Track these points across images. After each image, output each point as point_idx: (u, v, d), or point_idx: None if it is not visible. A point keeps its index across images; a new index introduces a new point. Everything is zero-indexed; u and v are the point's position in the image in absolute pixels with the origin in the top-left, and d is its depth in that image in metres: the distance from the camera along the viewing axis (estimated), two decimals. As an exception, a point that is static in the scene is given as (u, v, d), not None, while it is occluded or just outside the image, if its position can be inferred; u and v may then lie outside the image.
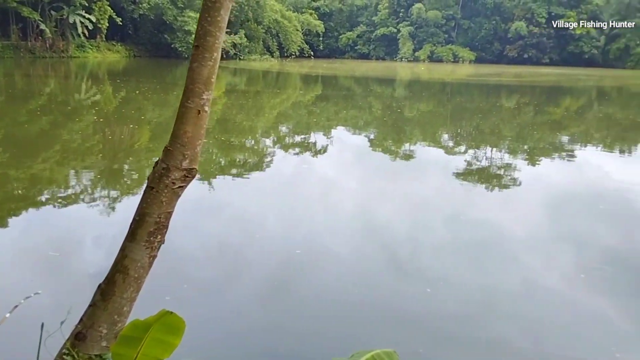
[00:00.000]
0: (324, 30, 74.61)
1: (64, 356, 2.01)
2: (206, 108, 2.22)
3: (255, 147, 11.48)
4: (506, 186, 8.77)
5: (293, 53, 64.52)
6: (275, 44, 63.33)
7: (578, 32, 73.90)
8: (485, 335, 3.90)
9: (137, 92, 20.92)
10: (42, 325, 2.48)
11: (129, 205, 6.87)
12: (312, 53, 71.59)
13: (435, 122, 16.91)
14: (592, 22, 75.33)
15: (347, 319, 4.06)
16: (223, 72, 37.74)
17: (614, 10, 76.01)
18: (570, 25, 73.74)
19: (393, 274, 4.91)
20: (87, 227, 5.99)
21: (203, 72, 2.18)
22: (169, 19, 47.34)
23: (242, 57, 55.43)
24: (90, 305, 2.13)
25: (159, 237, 2.14)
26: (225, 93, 23.51)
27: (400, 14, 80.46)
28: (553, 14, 74.74)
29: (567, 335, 3.96)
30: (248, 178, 8.61)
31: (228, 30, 52.79)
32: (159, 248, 2.17)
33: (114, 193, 7.41)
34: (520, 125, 16.28)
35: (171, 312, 1.90)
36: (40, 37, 39.93)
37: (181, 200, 6.26)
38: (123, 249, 2.13)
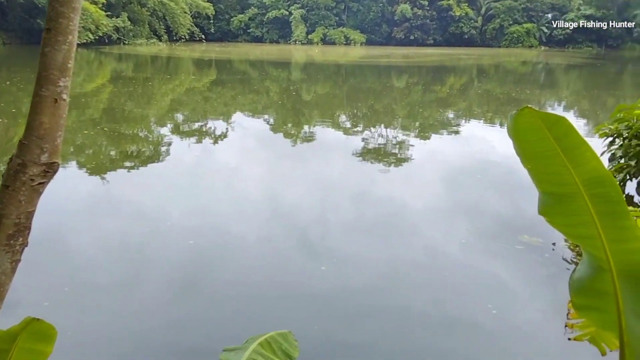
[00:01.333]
0: (214, 13, 72.26)
1: None
2: (64, 96, 2.00)
3: (150, 137, 10.89)
4: (403, 163, 9.16)
5: (183, 37, 61.88)
6: (163, 27, 60.26)
7: (457, 13, 79.00)
8: (392, 304, 4.05)
9: (9, 82, 18.88)
10: None
11: None
12: (203, 37, 69.19)
13: (332, 104, 17.20)
14: (468, 4, 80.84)
15: (254, 304, 3.99)
16: (106, 57, 35.32)
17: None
18: (451, 7, 78.47)
19: (302, 255, 4.91)
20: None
21: (57, 57, 1.96)
22: (41, 2, 43.09)
23: (126, 42, 52.16)
24: None
25: (21, 239, 1.91)
26: (111, 80, 22.00)
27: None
28: (434, -4, 78.96)
29: (463, 297, 4.23)
30: (145, 170, 8.14)
31: (109, 13, 49.36)
32: (21, 252, 1.95)
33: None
34: (410, 104, 17.08)
35: (38, 319, 1.80)
36: None
37: (72, 199, 5.78)
38: None
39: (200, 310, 3.88)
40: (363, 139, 10.99)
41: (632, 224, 1.41)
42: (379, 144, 10.60)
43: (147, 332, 3.61)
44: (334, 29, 79.77)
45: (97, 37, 45.87)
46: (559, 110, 16.35)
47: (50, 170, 1.94)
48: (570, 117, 15.05)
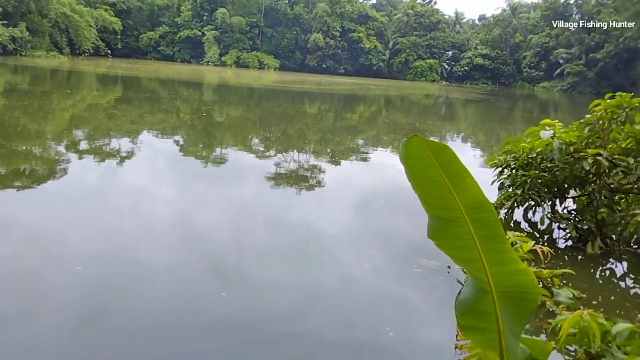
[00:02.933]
0: (122, 28, 69.63)
1: None
2: None
3: (46, 154, 10.14)
4: (315, 188, 9.31)
5: (87, 50, 58.90)
6: (65, 39, 56.96)
7: (367, 46, 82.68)
8: (303, 330, 4.06)
9: None
10: None
11: None
12: (109, 52, 66.30)
13: (245, 127, 17.14)
14: (377, 38, 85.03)
15: (160, 336, 3.81)
16: (0, 69, 32.66)
17: (395, 28, 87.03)
18: (361, 39, 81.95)
19: (213, 283, 4.76)
20: None
21: None
22: None
23: (24, 53, 48.62)
24: None
25: None
26: (4, 94, 20.32)
27: (205, 17, 79.75)
28: (346, 28, 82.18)
29: (368, 320, 4.35)
30: (39, 190, 7.53)
31: (5, 22, 45.88)
32: None
33: None
34: (322, 130, 17.48)
35: None
36: None
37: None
38: None
39: (98, 346, 3.61)
40: (276, 163, 11.03)
41: (508, 248, 1.55)
42: (292, 169, 10.70)
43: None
44: (248, 52, 79.99)
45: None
46: (457, 141, 17.56)
47: None
48: (467, 147, 16.22)
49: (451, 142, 17.03)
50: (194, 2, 79.91)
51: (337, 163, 11.78)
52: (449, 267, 5.28)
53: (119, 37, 71.14)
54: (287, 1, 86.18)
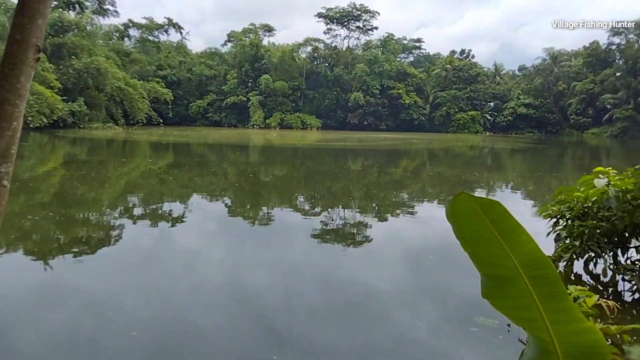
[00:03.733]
0: (172, 98, 73.71)
1: None
2: (5, 182, 2.02)
3: (103, 221, 10.60)
4: (362, 244, 9.23)
5: (140, 120, 62.38)
6: (120, 111, 60.68)
7: (407, 101, 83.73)
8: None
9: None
10: None
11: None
12: (161, 121, 70.02)
13: (290, 186, 17.42)
14: (417, 93, 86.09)
15: None
16: (61, 141, 34.93)
17: (434, 82, 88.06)
18: (400, 95, 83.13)
19: (266, 345, 4.71)
20: None
21: (0, 144, 1.99)
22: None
23: (82, 126, 51.98)
24: None
25: None
26: (64, 164, 21.64)
27: (249, 83, 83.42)
28: (385, 85, 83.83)
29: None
30: (97, 256, 7.83)
31: (65, 98, 49.46)
32: None
33: None
34: (366, 185, 17.53)
35: None
36: None
37: (15, 290, 5.52)
38: None
39: None
40: (322, 221, 11.07)
41: (571, 305, 1.49)
42: (338, 226, 10.70)
43: None
44: (291, 114, 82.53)
45: (51, 121, 45.56)
46: (506, 191, 17.15)
47: None
48: (517, 197, 15.79)
49: (499, 192, 16.66)
50: (239, 70, 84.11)
51: (384, 218, 11.70)
52: (508, 325, 5.03)
53: (170, 106, 75.27)
54: (326, 64, 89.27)
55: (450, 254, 8.19)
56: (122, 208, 12.17)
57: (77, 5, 62.76)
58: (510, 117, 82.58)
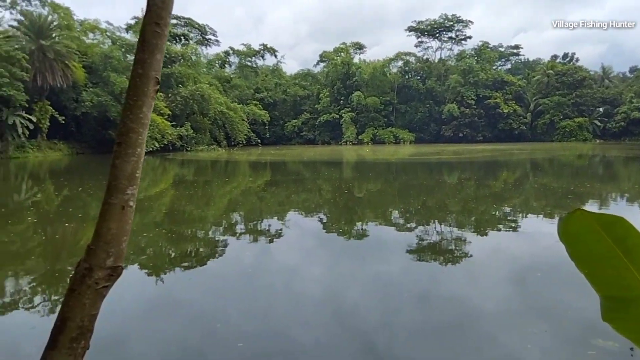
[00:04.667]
0: (269, 119, 76.96)
1: None
2: (131, 203, 2.19)
3: (208, 237, 11.23)
4: (461, 260, 8.90)
5: (240, 142, 65.72)
6: (222, 134, 64.47)
7: (505, 110, 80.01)
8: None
9: (80, 189, 20.36)
10: None
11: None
12: (259, 141, 73.23)
13: (384, 201, 17.30)
14: (516, 102, 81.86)
15: None
16: (170, 164, 37.60)
17: (535, 89, 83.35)
18: (498, 105, 79.61)
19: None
20: (27, 333, 5.50)
21: (126, 168, 2.17)
22: (112, 115, 47.51)
23: (189, 149, 55.83)
24: None
25: (83, 342, 1.99)
26: (173, 185, 23.27)
27: (341, 101, 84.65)
28: (481, 95, 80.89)
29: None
30: (203, 270, 8.31)
31: (174, 123, 53.42)
32: (83, 355, 2.00)
33: (55, 297, 6.91)
34: (464, 199, 16.91)
35: None
36: (-23, 139, 38.84)
37: (134, 301, 5.94)
38: (44, 358, 1.96)
39: None
40: (418, 236, 10.85)
41: None
42: (435, 241, 10.42)
43: None
44: (383, 129, 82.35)
45: (162, 145, 49.39)
46: (621, 204, 15.68)
47: (114, 274, 2.06)
48: (636, 210, 14.36)
49: (613, 204, 15.26)
50: (331, 88, 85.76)
51: (484, 233, 11.19)
52: (631, 348, 4.56)
53: (267, 127, 78.59)
54: (418, 77, 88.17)
55: (559, 271, 7.62)
56: (226, 225, 12.82)
57: (182, 38, 68.04)
58: (622, 123, 75.74)
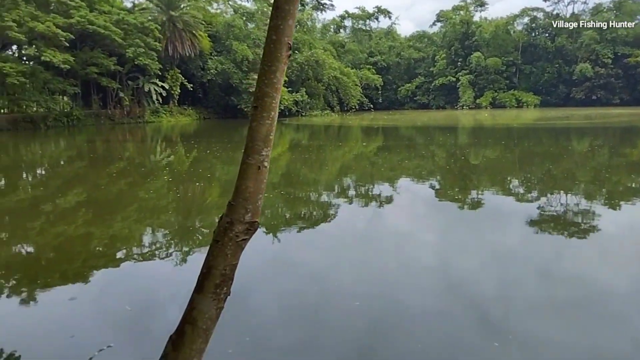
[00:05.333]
0: (382, 84, 76.03)
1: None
2: (265, 164, 2.30)
3: (320, 200, 11.57)
4: (590, 234, 8.22)
5: (353, 107, 65.96)
6: (336, 99, 65.16)
7: (650, 69, 70.81)
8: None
9: (208, 151, 21.93)
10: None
11: (200, 260, 7.04)
12: (371, 106, 72.88)
13: (503, 169, 16.41)
14: (665, 59, 71.98)
15: None
16: (286, 128, 38.93)
17: (688, 44, 72.61)
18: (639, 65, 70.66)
19: (478, 333, 4.58)
20: (161, 282, 6.17)
21: (262, 131, 2.28)
22: (234, 82, 50.11)
23: (304, 114, 57.30)
24: (162, 357, 2.16)
25: (225, 289, 2.18)
26: (289, 148, 24.15)
27: (459, 63, 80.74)
28: (620, 54, 72.36)
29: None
30: (315, 231, 8.63)
31: (290, 89, 55.01)
32: (225, 300, 2.20)
33: (186, 249, 7.64)
34: (595, 168, 15.47)
35: None
36: (119, 105, 43.34)
37: (254, 257, 6.31)
38: (192, 301, 2.18)
39: None
40: (540, 207, 10.19)
41: None
42: (559, 213, 9.73)
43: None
44: (504, 92, 77.36)
45: (279, 110, 51.18)
46: None
47: (251, 228, 2.23)
48: None
49: None
50: (448, 50, 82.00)
51: (617, 206, 10.19)
52: None
53: (379, 91, 77.79)
54: (546, 35, 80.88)
55: None
56: (338, 188, 13.09)
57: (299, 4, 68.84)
58: None
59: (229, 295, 2.21)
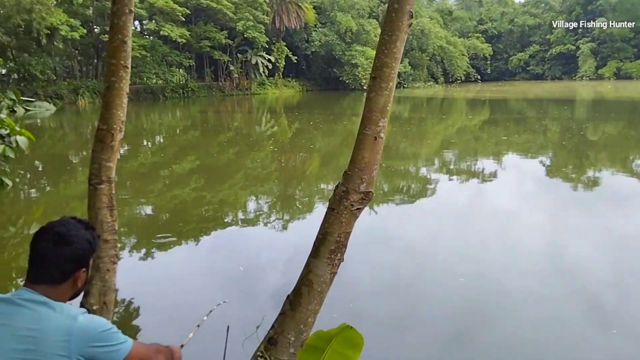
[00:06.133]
0: (491, 53, 71.72)
1: (259, 358, 2.22)
2: (382, 135, 2.32)
3: (420, 174, 11.41)
4: None
5: (458, 78, 63.13)
6: (440, 70, 62.79)
7: None
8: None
9: (311, 123, 22.40)
10: (228, 328, 2.78)
11: (301, 227, 7.34)
12: (478, 77, 69.29)
13: (626, 146, 14.94)
14: None
15: None
16: (387, 101, 38.37)
17: None
18: None
19: (589, 325, 4.29)
20: (266, 245, 6.54)
21: (379, 101, 2.28)
22: (337, 54, 50.17)
23: (406, 85, 55.98)
24: (280, 314, 2.33)
25: (339, 255, 2.27)
26: (389, 121, 23.84)
27: (579, 30, 73.61)
28: None
29: None
30: (414, 206, 8.57)
31: (393, 60, 53.85)
32: (338, 265, 2.30)
33: (287, 216, 7.98)
34: None
35: (351, 327, 1.98)
36: (228, 77, 45.49)
37: (354, 232, 6.32)
38: (308, 265, 2.30)
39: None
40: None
41: None
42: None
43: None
44: (630, 61, 69.47)
45: (380, 82, 50.52)
46: None
47: (366, 198, 2.30)
48: None
49: None
50: (568, 16, 74.97)
51: None
52: None
53: (488, 62, 73.54)
54: (691, -7, 70.81)
55: None
56: (439, 163, 12.80)
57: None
58: None
59: (342, 261, 2.32)
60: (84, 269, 1.75)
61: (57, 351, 1.53)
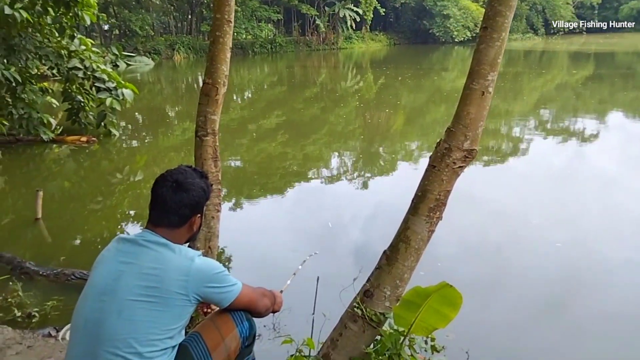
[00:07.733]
0: (600, 1, 64.92)
1: (355, 309, 2.33)
2: (490, 89, 2.22)
3: (512, 133, 10.87)
4: None
5: (561, 29, 58.15)
6: (541, 20, 58.10)
7: None
8: None
9: (400, 78, 21.90)
10: (318, 279, 2.93)
11: (387, 185, 7.36)
12: (584, 28, 63.28)
13: None
14: None
15: (620, 344, 3.48)
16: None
17: None
18: None
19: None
20: (352, 202, 6.65)
21: (490, 53, 2.17)
22: (428, 4, 47.93)
23: (502, 38, 52.52)
24: (376, 268, 2.41)
25: (438, 213, 2.27)
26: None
27: None
28: None
29: None
30: (504, 167, 8.24)
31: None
32: (436, 224, 2.30)
33: (370, 173, 8.00)
34: None
35: (450, 286, 2.01)
36: (315, 32, 45.22)
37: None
38: (406, 221, 2.32)
39: (570, 339, 3.58)
40: None
41: None
42: None
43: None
44: None
45: (474, 35, 47.92)
46: None
47: (469, 156, 2.22)
48: None
49: None
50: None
51: None
52: None
53: (595, 11, 66.80)
54: None
55: None
56: (534, 122, 12.09)
57: None
58: None
59: (441, 219, 2.31)
60: (199, 215, 1.92)
61: (176, 289, 1.71)
